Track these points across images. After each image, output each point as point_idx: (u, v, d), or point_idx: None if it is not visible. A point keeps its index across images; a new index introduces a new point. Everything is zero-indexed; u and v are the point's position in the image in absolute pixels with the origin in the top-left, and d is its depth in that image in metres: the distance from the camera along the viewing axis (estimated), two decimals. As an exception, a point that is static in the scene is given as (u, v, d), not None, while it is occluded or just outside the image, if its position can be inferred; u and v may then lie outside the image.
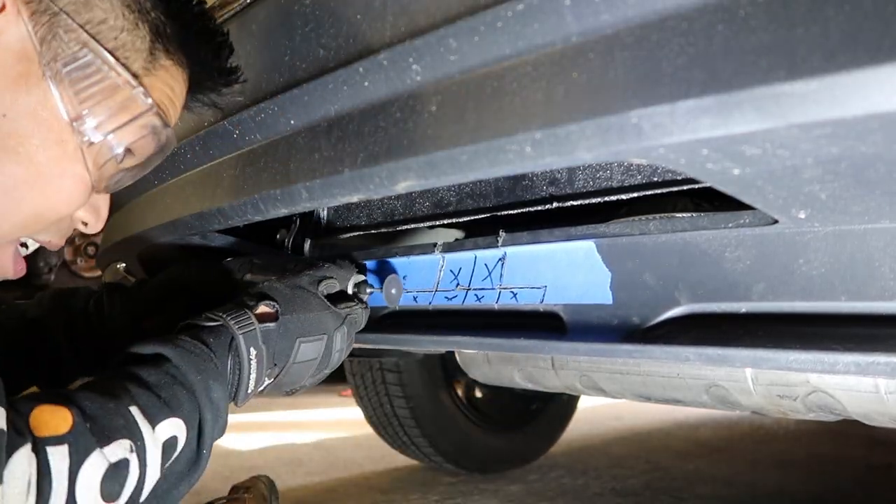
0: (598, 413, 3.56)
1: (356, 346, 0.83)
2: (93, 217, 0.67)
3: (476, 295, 0.85)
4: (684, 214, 0.66)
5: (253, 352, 0.74)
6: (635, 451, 2.66)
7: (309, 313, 0.81)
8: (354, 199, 0.70)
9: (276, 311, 0.78)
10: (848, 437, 2.69)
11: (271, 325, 0.77)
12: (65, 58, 0.58)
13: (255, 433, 2.71)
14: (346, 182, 0.66)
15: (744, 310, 0.63)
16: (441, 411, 1.99)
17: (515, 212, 0.84)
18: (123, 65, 0.61)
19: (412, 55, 0.58)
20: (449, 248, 0.90)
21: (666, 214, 0.67)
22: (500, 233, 0.82)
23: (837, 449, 2.62)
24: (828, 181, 0.44)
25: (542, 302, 0.78)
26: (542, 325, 0.79)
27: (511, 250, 0.82)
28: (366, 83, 0.64)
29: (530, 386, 1.47)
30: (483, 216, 0.89)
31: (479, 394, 2.16)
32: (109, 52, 0.60)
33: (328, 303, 0.83)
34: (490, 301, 0.83)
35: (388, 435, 2.04)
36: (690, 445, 2.76)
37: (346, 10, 0.67)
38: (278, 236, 1.12)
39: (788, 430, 3.02)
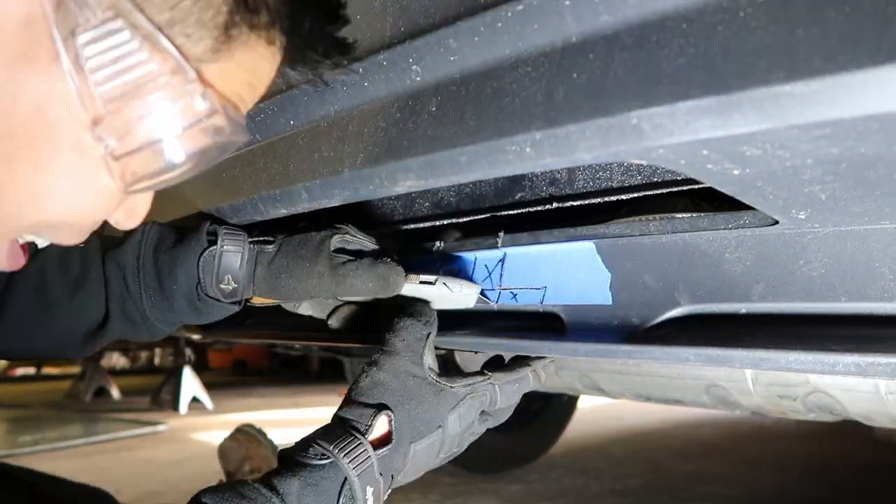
0: (598, 413, 3.56)
1: (357, 346, 0.82)
2: (125, 217, 0.52)
3: (476, 295, 0.85)
4: (684, 215, 0.65)
5: (370, 490, 0.64)
6: (635, 451, 2.66)
7: (418, 407, 0.69)
8: (354, 199, 0.70)
9: (391, 423, 0.68)
10: (848, 437, 2.69)
11: (387, 449, 0.66)
12: (88, 31, 0.40)
13: (255, 433, 2.71)
14: (346, 182, 0.66)
15: (744, 310, 0.63)
16: (441, 411, 1.99)
17: (515, 212, 0.84)
18: (179, 49, 0.42)
19: (412, 55, 0.58)
20: (449, 248, 0.90)
21: (666, 215, 0.67)
22: (500, 234, 0.82)
23: (837, 449, 2.62)
24: (828, 182, 0.44)
25: (541, 302, 0.78)
26: (542, 325, 0.79)
27: (511, 251, 0.82)
28: (365, 83, 0.64)
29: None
30: (483, 216, 0.88)
31: (479, 394, 2.15)
32: (158, 29, 0.41)
33: (439, 382, 0.71)
34: (490, 301, 0.83)
35: (388, 435, 2.04)
36: (690, 445, 2.76)
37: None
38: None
39: (788, 430, 3.02)
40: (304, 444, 0.67)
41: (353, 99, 0.66)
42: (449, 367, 0.75)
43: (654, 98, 0.41)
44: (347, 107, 0.67)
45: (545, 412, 2.29)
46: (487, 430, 0.79)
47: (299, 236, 0.80)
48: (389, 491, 0.69)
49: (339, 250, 0.79)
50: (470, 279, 0.82)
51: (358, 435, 0.66)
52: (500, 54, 0.52)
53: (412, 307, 0.75)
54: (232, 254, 0.78)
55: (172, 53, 0.42)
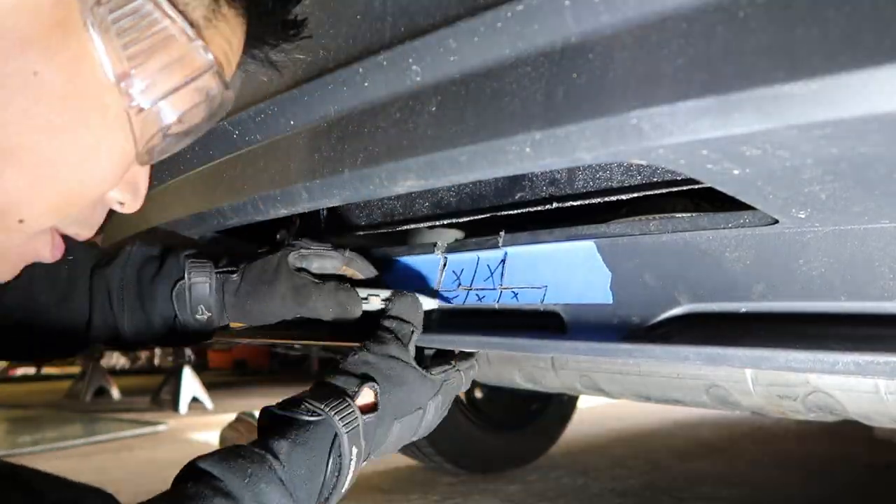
0: (598, 413, 3.56)
1: (356, 346, 0.83)
2: (130, 195, 0.56)
3: (477, 295, 0.85)
4: (684, 215, 0.66)
5: (354, 450, 0.70)
6: (635, 451, 2.66)
7: (404, 388, 0.76)
8: (354, 199, 0.70)
9: (377, 396, 0.73)
10: (848, 437, 2.69)
11: (372, 416, 0.72)
12: (112, 2, 0.47)
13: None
14: (346, 182, 0.66)
15: (744, 310, 0.63)
16: (441, 411, 1.99)
17: (515, 212, 0.84)
18: (182, 13, 0.49)
19: (412, 56, 0.58)
20: (451, 248, 0.90)
21: (666, 215, 0.67)
22: (501, 233, 0.83)
23: (837, 449, 2.62)
24: (827, 181, 0.45)
25: (542, 302, 0.78)
26: (543, 324, 0.79)
27: (512, 250, 0.82)
28: (365, 84, 0.64)
29: (530, 386, 1.47)
30: (483, 216, 0.89)
31: (479, 394, 2.16)
32: None
33: (422, 370, 0.78)
34: (491, 301, 0.83)
35: (389, 435, 2.05)
36: (690, 445, 2.76)
37: (345, 11, 0.67)
38: (278, 236, 1.12)
39: (788, 430, 3.02)
40: (293, 402, 0.70)
41: (353, 99, 0.66)
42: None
43: (653, 98, 0.41)
44: (347, 107, 0.67)
45: (545, 412, 2.29)
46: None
47: (259, 261, 0.87)
48: (365, 463, 0.74)
49: (300, 269, 0.86)
50: (434, 294, 0.88)
51: (346, 397, 0.71)
52: (500, 54, 0.52)
53: (399, 308, 0.82)
54: (200, 284, 0.86)
55: (177, 18, 0.49)
